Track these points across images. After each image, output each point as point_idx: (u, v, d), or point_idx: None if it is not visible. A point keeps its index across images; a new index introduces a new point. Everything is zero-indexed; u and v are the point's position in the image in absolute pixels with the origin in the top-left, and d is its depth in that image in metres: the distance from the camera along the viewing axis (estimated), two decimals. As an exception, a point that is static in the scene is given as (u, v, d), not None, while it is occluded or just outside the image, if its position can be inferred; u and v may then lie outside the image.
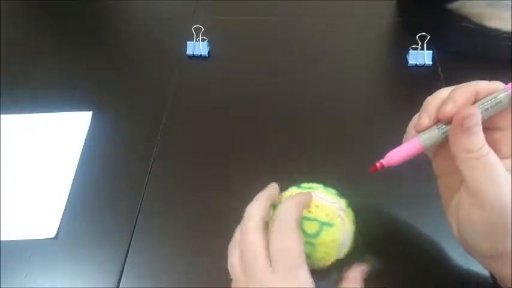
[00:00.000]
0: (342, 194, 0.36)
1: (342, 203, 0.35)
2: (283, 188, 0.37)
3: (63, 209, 0.45)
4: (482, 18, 0.54)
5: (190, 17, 0.65)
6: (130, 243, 0.43)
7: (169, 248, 0.43)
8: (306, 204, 0.33)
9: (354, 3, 0.65)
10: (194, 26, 0.60)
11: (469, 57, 0.55)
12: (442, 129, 0.31)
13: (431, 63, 0.55)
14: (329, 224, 0.33)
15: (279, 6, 0.65)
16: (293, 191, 0.36)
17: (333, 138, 0.50)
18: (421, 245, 0.41)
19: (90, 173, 0.48)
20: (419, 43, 0.56)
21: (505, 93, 0.29)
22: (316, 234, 0.33)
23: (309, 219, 0.33)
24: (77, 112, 0.53)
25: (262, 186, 0.37)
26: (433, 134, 0.31)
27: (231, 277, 0.32)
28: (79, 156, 0.49)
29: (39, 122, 0.53)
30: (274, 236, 0.31)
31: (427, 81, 0.54)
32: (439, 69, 0.56)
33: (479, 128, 0.29)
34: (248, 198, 0.36)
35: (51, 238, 0.43)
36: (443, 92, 0.32)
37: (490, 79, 0.31)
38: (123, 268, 0.41)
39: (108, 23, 0.67)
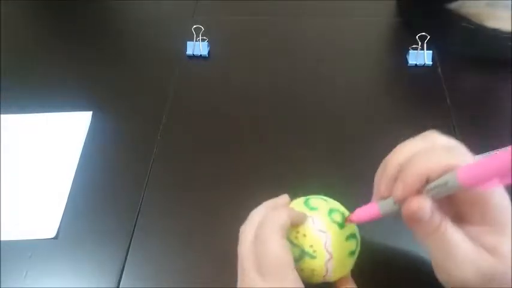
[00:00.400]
0: (347, 206, 0.36)
1: (340, 235, 0.33)
2: (286, 191, 0.37)
3: (63, 209, 0.45)
4: (482, 18, 0.54)
5: (190, 17, 0.65)
6: (130, 243, 0.43)
7: (169, 248, 0.43)
8: (296, 223, 0.33)
9: (354, 3, 0.65)
10: (194, 26, 0.60)
11: (469, 57, 0.55)
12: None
13: (431, 63, 0.55)
14: (311, 256, 0.32)
15: (279, 6, 0.65)
16: (298, 204, 0.35)
17: (333, 138, 0.50)
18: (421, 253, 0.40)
19: (90, 173, 0.48)
20: (419, 43, 0.56)
21: (456, 179, 0.25)
22: (297, 260, 0.33)
23: (294, 245, 0.33)
24: (77, 112, 0.53)
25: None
26: (390, 206, 0.30)
27: (239, 261, 0.32)
28: (79, 156, 0.49)
29: (39, 122, 0.53)
30: (257, 234, 0.31)
31: (427, 81, 0.54)
32: (439, 69, 0.56)
33: (432, 212, 0.28)
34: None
35: (52, 238, 0.43)
36: (404, 151, 0.30)
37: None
38: (123, 268, 0.41)
39: (108, 23, 0.67)
